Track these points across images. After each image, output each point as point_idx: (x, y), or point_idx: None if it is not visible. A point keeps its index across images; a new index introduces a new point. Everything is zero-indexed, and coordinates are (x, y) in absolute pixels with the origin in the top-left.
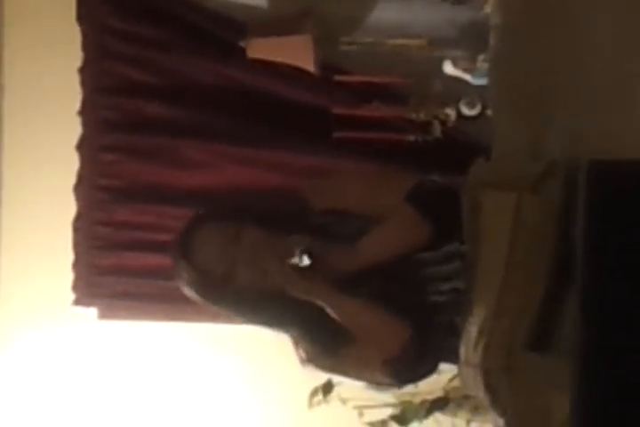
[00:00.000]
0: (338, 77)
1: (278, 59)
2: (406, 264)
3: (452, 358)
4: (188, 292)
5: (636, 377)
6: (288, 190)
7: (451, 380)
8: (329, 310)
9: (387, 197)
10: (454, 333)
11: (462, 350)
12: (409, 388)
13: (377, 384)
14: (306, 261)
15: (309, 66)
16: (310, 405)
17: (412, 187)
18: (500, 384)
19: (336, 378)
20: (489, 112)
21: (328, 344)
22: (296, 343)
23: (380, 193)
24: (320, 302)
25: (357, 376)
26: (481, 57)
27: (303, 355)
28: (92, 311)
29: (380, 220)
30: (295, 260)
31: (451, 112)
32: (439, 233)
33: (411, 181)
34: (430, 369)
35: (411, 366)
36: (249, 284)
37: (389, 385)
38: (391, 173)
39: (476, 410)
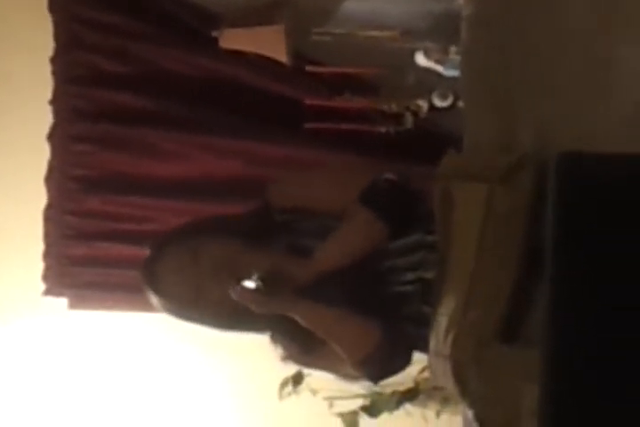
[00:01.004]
0: (310, 68)
1: (251, 49)
2: (368, 259)
3: (425, 347)
4: (164, 313)
5: (604, 368)
6: (255, 182)
7: (421, 371)
8: (297, 319)
9: (345, 196)
10: (424, 323)
11: (432, 341)
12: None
13: (355, 380)
14: (252, 284)
15: (282, 56)
16: (281, 396)
17: (366, 187)
18: (469, 375)
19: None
20: (461, 104)
21: (304, 344)
22: (274, 342)
23: (339, 192)
24: (284, 313)
25: (335, 373)
26: (453, 48)
27: (282, 353)
28: (63, 301)
29: (340, 217)
30: (249, 282)
31: (423, 103)
32: (397, 229)
33: (366, 179)
34: (405, 362)
35: (385, 363)
36: (217, 302)
37: (365, 381)
38: (351, 170)
39: (446, 401)
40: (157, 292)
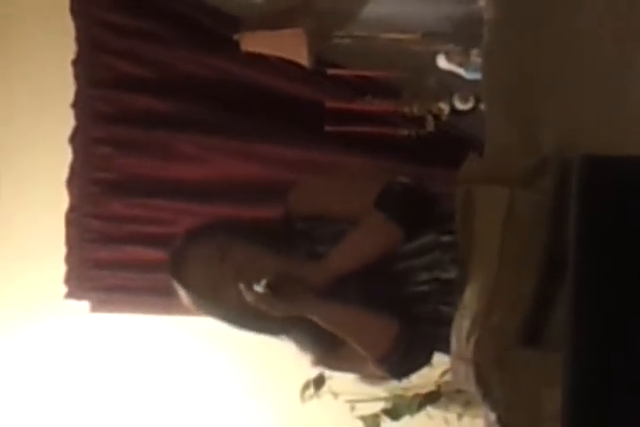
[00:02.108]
0: (331, 71)
1: (272, 52)
2: (384, 260)
3: (444, 347)
4: (187, 305)
5: (626, 371)
6: (275, 185)
7: (443, 374)
8: (315, 321)
9: (358, 200)
10: (441, 322)
11: (454, 344)
12: (401, 382)
13: (379, 379)
14: (260, 289)
15: (303, 60)
16: (302, 399)
17: (380, 191)
18: (491, 379)
19: (332, 373)
20: (482, 106)
21: (326, 347)
22: (300, 348)
23: (353, 197)
24: (301, 315)
25: (359, 373)
26: (474, 51)
27: (310, 358)
28: (85, 304)
29: (355, 223)
30: (258, 287)
31: (444, 106)
32: (411, 231)
33: (381, 183)
34: (425, 359)
35: (404, 360)
36: (238, 302)
37: (389, 379)
38: (365, 176)
39: (467, 404)
40: (179, 279)
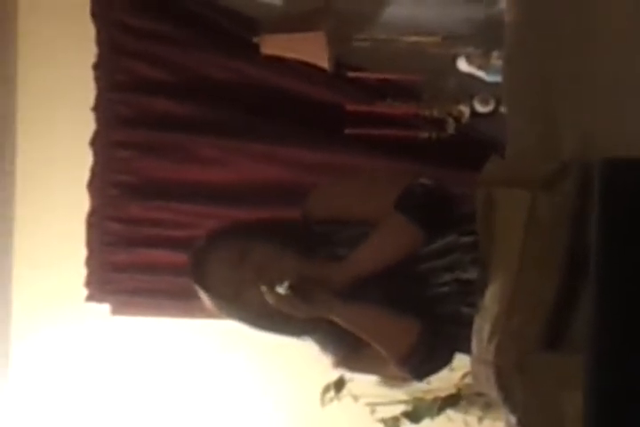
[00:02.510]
0: (351, 74)
1: (292, 55)
2: (405, 262)
3: (465, 347)
4: (209, 307)
5: None
6: (295, 187)
7: (463, 377)
8: (337, 322)
9: (378, 203)
10: (462, 323)
11: (475, 347)
12: (421, 385)
13: (400, 380)
14: (282, 291)
15: (323, 62)
16: (323, 402)
17: (401, 193)
18: (512, 382)
19: (352, 375)
20: (503, 109)
21: (349, 348)
22: (322, 349)
23: (372, 199)
24: (323, 316)
25: (380, 375)
26: (495, 54)
27: (331, 359)
28: (105, 307)
29: (375, 225)
30: (280, 289)
31: (464, 109)
32: (432, 233)
33: (401, 185)
34: (446, 359)
35: (426, 361)
36: (259, 303)
37: (410, 380)
38: (385, 178)
39: (488, 407)
40: (201, 282)
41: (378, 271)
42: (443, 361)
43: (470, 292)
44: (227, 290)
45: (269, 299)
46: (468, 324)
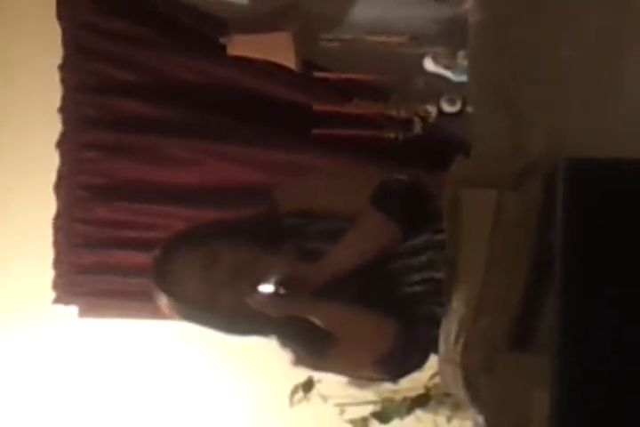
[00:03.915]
0: (318, 74)
1: (259, 55)
2: (379, 260)
3: (438, 348)
4: (172, 315)
5: (614, 374)
6: (263, 188)
7: (432, 377)
8: (313, 320)
9: (352, 198)
10: (437, 323)
11: (442, 347)
12: (390, 385)
13: (370, 381)
14: (270, 289)
15: (290, 63)
16: (291, 403)
17: (376, 188)
18: (479, 382)
19: (321, 375)
20: (469, 109)
21: (314, 347)
22: (283, 346)
23: (346, 194)
24: (302, 315)
25: (349, 375)
26: (461, 53)
27: (291, 357)
28: (73, 310)
29: (348, 219)
30: (265, 287)
31: (431, 109)
32: (408, 229)
33: (375, 180)
34: (422, 361)
35: (402, 362)
36: (232, 308)
37: (383, 381)
38: (357, 173)
39: (456, 407)
40: (171, 294)
41: (354, 269)
42: (418, 362)
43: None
44: (199, 297)
45: (251, 300)
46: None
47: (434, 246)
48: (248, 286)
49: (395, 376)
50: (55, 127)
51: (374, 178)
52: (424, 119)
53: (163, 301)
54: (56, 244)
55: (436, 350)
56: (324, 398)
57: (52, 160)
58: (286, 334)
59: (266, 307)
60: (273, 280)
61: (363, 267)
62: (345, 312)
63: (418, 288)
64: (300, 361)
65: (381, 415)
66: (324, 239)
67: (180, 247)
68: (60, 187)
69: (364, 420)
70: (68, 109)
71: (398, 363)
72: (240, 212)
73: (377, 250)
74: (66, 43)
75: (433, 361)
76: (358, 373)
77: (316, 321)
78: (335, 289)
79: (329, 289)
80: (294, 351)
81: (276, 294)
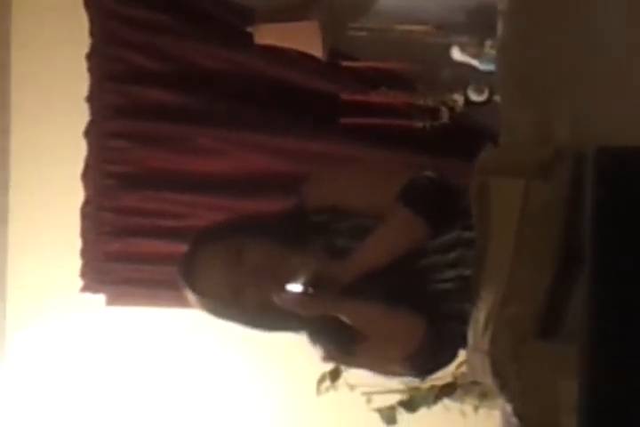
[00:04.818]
0: (345, 63)
1: (286, 44)
2: (408, 257)
3: (466, 344)
4: (199, 310)
5: None
6: (290, 178)
7: (459, 366)
8: (342, 318)
9: (381, 195)
10: (467, 320)
11: (470, 336)
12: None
13: (397, 376)
14: (298, 288)
15: (317, 52)
16: (318, 391)
17: (404, 186)
18: (508, 370)
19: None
20: (497, 98)
21: (343, 343)
22: (313, 342)
23: (375, 191)
24: (331, 314)
25: (378, 371)
26: (488, 42)
27: (321, 353)
28: (100, 298)
29: (376, 216)
30: (293, 286)
31: (458, 98)
32: (437, 226)
33: (404, 178)
34: (450, 358)
35: (431, 359)
36: (257, 305)
37: (411, 377)
38: (386, 169)
39: (484, 396)
40: (195, 289)
41: (383, 266)
42: (446, 359)
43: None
44: (224, 293)
45: (278, 299)
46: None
47: (463, 243)
48: (274, 285)
49: (423, 373)
50: (83, 116)
51: (403, 175)
52: (451, 108)
53: (188, 295)
54: (84, 232)
55: (465, 347)
56: (351, 387)
57: (80, 149)
58: (315, 331)
59: (294, 306)
60: (301, 279)
61: (392, 264)
62: (373, 310)
63: (447, 285)
64: (329, 357)
65: (408, 404)
66: (353, 237)
67: (207, 243)
68: (87, 175)
69: (392, 408)
70: (95, 98)
71: (427, 360)
72: (268, 201)
73: (406, 247)
74: (93, 32)
75: (460, 350)
76: (387, 369)
77: (345, 319)
78: (364, 287)
79: (357, 287)
80: (324, 347)
81: (304, 293)
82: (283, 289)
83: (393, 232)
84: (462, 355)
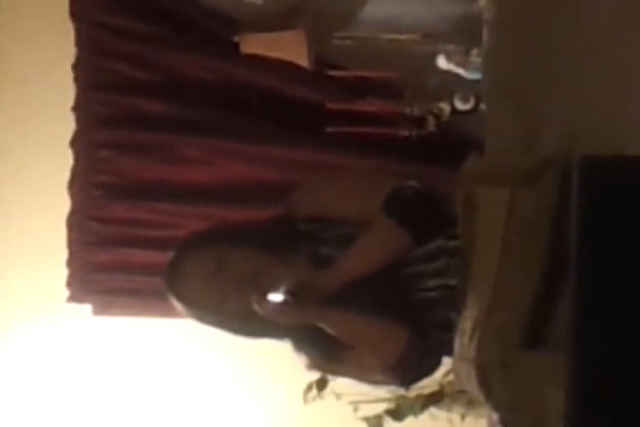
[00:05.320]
0: (331, 72)
1: (272, 54)
2: (391, 266)
3: (452, 352)
4: (184, 316)
5: (629, 371)
6: (277, 187)
7: (445, 374)
8: (325, 328)
9: (365, 204)
10: (451, 328)
11: (456, 345)
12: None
13: (382, 385)
14: (279, 298)
15: (303, 61)
16: (305, 400)
17: (388, 195)
18: (494, 379)
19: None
20: (483, 106)
21: (326, 352)
22: (297, 350)
23: (359, 201)
24: (312, 323)
25: (362, 380)
26: (474, 51)
27: (305, 361)
28: (87, 308)
29: (363, 225)
30: (275, 296)
31: (445, 106)
32: (420, 237)
33: (390, 187)
34: (433, 367)
35: (414, 368)
36: (240, 313)
37: (394, 386)
38: (371, 178)
39: (470, 404)
40: (179, 297)
41: (365, 276)
42: (430, 368)
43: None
44: (207, 301)
45: (259, 308)
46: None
47: (447, 253)
48: (256, 293)
49: (406, 382)
50: (69, 126)
51: (387, 184)
52: (437, 117)
53: (173, 302)
54: (70, 242)
55: (450, 354)
56: (338, 396)
57: (66, 159)
58: (299, 339)
59: (274, 315)
60: (283, 288)
61: (375, 274)
62: (355, 320)
63: (431, 294)
64: (314, 365)
65: (395, 413)
66: (338, 245)
67: (190, 251)
68: (73, 185)
69: (378, 417)
70: (81, 108)
71: (410, 369)
72: (255, 211)
73: (388, 257)
74: (79, 41)
75: (446, 359)
76: (371, 378)
77: (327, 329)
78: (347, 296)
79: (340, 296)
80: (308, 355)
81: (284, 302)
82: (264, 298)
83: (376, 242)
84: (448, 364)
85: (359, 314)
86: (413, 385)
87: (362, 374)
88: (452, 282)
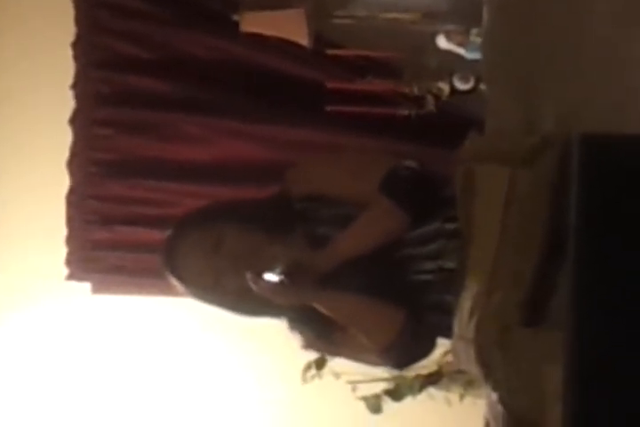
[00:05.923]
0: (331, 51)
1: (271, 32)
2: (387, 247)
3: (448, 334)
4: (182, 294)
5: (628, 349)
6: (276, 165)
7: (444, 355)
8: (318, 308)
9: (363, 184)
10: (447, 311)
11: (456, 325)
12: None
13: (377, 366)
14: (275, 277)
15: (303, 39)
16: (304, 380)
17: (385, 175)
18: (493, 359)
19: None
20: (482, 86)
21: (322, 332)
22: (292, 329)
23: (356, 180)
24: (308, 303)
25: (357, 360)
26: (474, 31)
27: (301, 340)
28: (86, 286)
29: (359, 204)
30: (270, 275)
31: (444, 86)
32: (417, 218)
33: (385, 167)
34: (428, 349)
35: (408, 350)
36: (236, 291)
37: (389, 367)
38: (368, 158)
39: (469, 384)
40: (176, 275)
41: (361, 256)
42: (425, 350)
43: (455, 280)
44: (204, 280)
45: (255, 286)
46: (451, 312)
47: (444, 235)
48: (252, 273)
49: (400, 365)
50: (68, 104)
51: (385, 164)
52: (437, 97)
53: (171, 281)
54: (69, 220)
55: (445, 336)
56: (337, 376)
57: (66, 137)
58: (295, 319)
59: (270, 295)
60: (278, 268)
61: (371, 254)
62: (350, 301)
63: (428, 277)
64: (309, 345)
65: (394, 393)
66: (335, 225)
67: (186, 229)
68: (73, 163)
69: (377, 397)
70: (80, 86)
71: (405, 351)
72: (254, 189)
73: (384, 237)
74: (78, 19)
75: (444, 340)
76: (365, 359)
77: (321, 309)
78: (342, 276)
79: (336, 276)
80: (303, 335)
81: (280, 281)
82: (260, 277)
83: (372, 222)
84: (446, 344)
85: (355, 295)
86: (407, 368)
87: (357, 355)
88: (449, 265)
